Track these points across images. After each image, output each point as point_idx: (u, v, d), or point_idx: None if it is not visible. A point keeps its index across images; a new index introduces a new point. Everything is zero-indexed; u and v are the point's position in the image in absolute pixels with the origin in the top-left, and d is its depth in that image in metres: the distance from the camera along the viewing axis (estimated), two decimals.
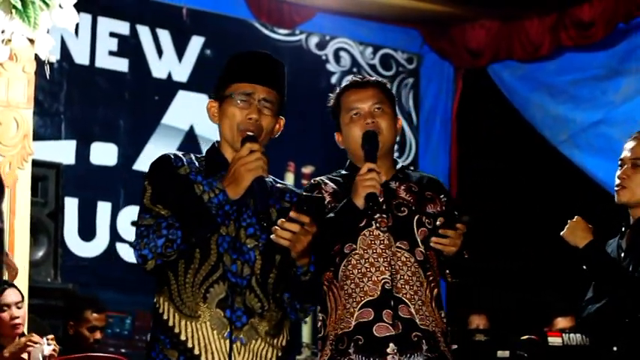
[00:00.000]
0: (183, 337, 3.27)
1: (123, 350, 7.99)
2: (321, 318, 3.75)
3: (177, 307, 3.29)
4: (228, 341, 3.26)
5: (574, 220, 4.36)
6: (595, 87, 8.71)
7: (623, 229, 4.52)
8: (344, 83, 3.93)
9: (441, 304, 3.75)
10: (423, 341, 3.63)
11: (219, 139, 3.50)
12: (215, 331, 3.27)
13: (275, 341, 3.36)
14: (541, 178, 8.93)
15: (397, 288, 3.64)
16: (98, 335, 6.80)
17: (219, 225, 3.28)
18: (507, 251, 8.74)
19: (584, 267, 4.36)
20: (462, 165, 9.62)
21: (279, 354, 3.36)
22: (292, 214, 3.22)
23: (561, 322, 7.01)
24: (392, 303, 3.62)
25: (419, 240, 3.71)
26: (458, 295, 7.27)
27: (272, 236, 3.23)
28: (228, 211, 3.27)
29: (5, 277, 5.09)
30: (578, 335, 4.82)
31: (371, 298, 3.63)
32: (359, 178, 3.59)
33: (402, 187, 3.79)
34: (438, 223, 3.66)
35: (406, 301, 3.64)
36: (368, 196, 3.56)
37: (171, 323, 3.29)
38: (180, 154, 3.45)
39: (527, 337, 5.23)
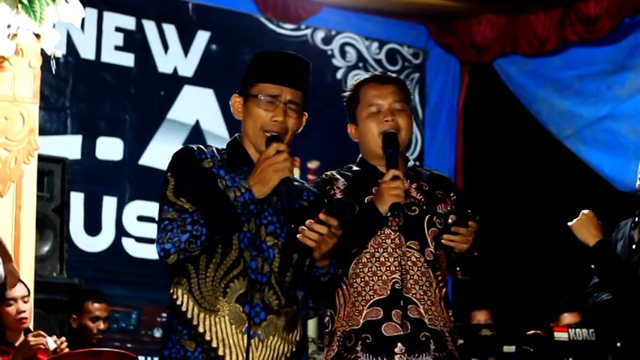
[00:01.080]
0: (201, 330, 3.28)
1: (129, 345, 8.00)
2: (329, 314, 3.74)
3: (196, 300, 3.30)
4: (245, 336, 3.27)
5: (586, 213, 4.33)
6: (601, 82, 8.70)
7: (637, 219, 4.50)
8: (364, 76, 3.91)
9: (449, 303, 3.75)
10: (431, 341, 3.63)
11: (240, 133, 3.47)
12: (233, 326, 3.28)
13: (290, 336, 3.37)
14: (547, 172, 8.92)
15: (407, 288, 3.64)
16: (102, 325, 6.81)
17: (243, 224, 3.29)
18: (513, 246, 8.73)
19: (593, 266, 4.35)
20: (468, 160, 9.61)
21: (294, 349, 3.38)
22: (322, 216, 3.23)
23: (567, 318, 7.01)
24: (401, 303, 3.62)
25: (429, 240, 3.70)
26: (461, 291, 7.27)
27: (298, 235, 3.24)
28: (253, 210, 3.28)
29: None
30: (584, 330, 4.83)
31: (380, 297, 3.63)
32: (384, 185, 3.59)
33: (414, 186, 3.77)
34: (449, 221, 3.65)
35: (416, 301, 3.64)
36: (393, 206, 3.57)
37: (189, 315, 3.30)
38: (202, 146, 3.44)
39: (533, 332, 5.24)
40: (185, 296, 3.32)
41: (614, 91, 8.57)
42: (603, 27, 8.41)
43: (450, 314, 3.74)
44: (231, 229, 3.28)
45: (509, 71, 9.39)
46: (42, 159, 5.97)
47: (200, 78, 8.79)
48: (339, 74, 9.54)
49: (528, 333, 5.42)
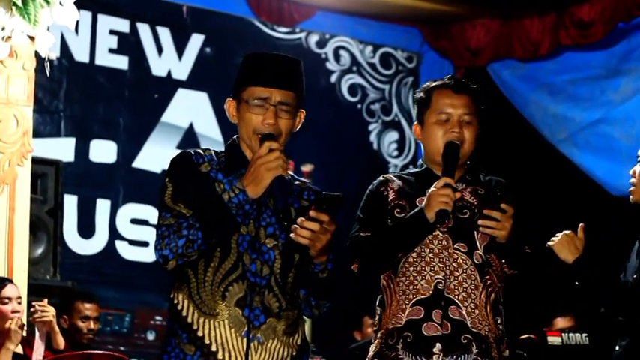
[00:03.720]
0: (200, 334, 3.28)
1: (122, 347, 7.99)
2: (378, 312, 3.78)
3: (196, 304, 3.30)
4: (245, 340, 3.27)
5: (567, 233, 4.32)
6: (594, 86, 8.72)
7: None
8: (439, 81, 3.87)
9: (499, 310, 3.73)
10: (474, 344, 3.63)
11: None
12: (233, 330, 3.28)
13: (291, 340, 3.37)
14: (540, 176, 8.93)
15: (449, 289, 3.65)
16: (92, 325, 6.79)
17: (240, 225, 3.29)
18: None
19: (576, 282, 4.34)
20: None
21: (294, 353, 3.37)
22: (312, 212, 3.22)
23: (560, 322, 7.02)
24: (442, 303, 3.63)
25: (478, 243, 3.70)
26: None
27: (291, 235, 3.23)
28: (248, 211, 3.28)
29: None
30: (578, 335, 4.83)
31: (423, 296, 3.65)
32: (434, 192, 3.60)
33: (468, 190, 3.78)
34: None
35: (457, 302, 3.64)
36: (439, 213, 3.57)
37: (189, 320, 3.30)
38: (200, 150, 3.43)
39: (526, 336, 5.24)
40: (185, 301, 3.32)
41: (607, 96, 8.59)
42: (597, 32, 8.43)
43: (499, 322, 3.73)
44: (226, 230, 3.28)
45: (503, 75, 9.41)
46: (36, 161, 5.97)
47: (194, 81, 8.80)
48: (333, 78, 9.56)
49: (522, 337, 5.42)
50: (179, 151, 3.47)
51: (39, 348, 5.65)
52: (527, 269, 3.77)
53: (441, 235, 3.69)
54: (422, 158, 3.90)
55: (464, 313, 3.64)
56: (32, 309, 5.76)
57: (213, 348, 3.27)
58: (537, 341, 5.11)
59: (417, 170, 3.87)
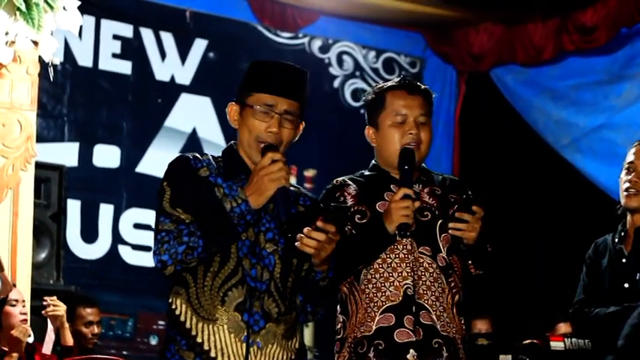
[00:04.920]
0: (199, 340, 3.27)
1: (125, 352, 8.00)
2: (341, 320, 3.73)
3: (194, 309, 3.29)
4: (244, 345, 3.26)
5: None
6: (597, 91, 8.72)
7: (622, 233, 4.50)
8: (391, 82, 3.83)
9: (462, 311, 3.73)
10: (444, 348, 3.62)
11: (236, 141, 3.46)
12: (232, 335, 3.27)
13: (289, 344, 3.37)
14: (543, 182, 8.93)
15: (419, 294, 3.62)
16: (95, 330, 6.83)
17: (240, 234, 3.28)
18: (509, 254, 8.73)
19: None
20: (464, 169, 9.62)
21: (293, 356, 3.37)
22: (319, 223, 3.22)
23: (563, 327, 7.01)
24: (414, 309, 3.61)
25: (441, 246, 3.68)
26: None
27: (297, 244, 3.23)
28: (250, 221, 3.27)
29: None
30: (581, 340, 4.82)
31: (392, 303, 3.62)
32: (394, 204, 3.55)
33: (426, 191, 3.75)
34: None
35: (428, 307, 3.62)
36: (400, 226, 3.55)
37: (188, 325, 3.29)
38: (198, 155, 3.42)
39: (529, 341, 5.23)
40: (184, 306, 3.31)
41: (610, 101, 8.59)
42: (600, 37, 8.43)
43: (463, 322, 3.72)
44: (228, 241, 3.27)
45: (506, 80, 9.41)
46: (39, 166, 5.97)
47: (197, 86, 8.80)
48: (336, 83, 9.56)
49: (524, 342, 5.41)
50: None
51: (49, 342, 5.73)
52: (492, 269, 3.74)
53: (405, 240, 3.65)
54: (375, 159, 3.83)
55: (434, 317, 3.62)
56: (44, 302, 5.84)
57: (213, 354, 3.26)
58: (540, 346, 5.11)
59: (371, 173, 3.81)
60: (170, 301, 3.35)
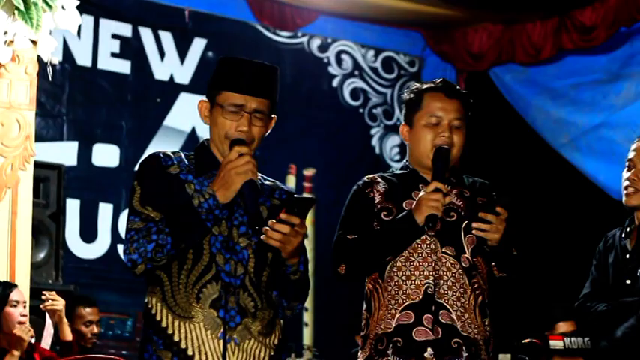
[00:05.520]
0: (176, 338, 3.26)
1: (124, 352, 7.98)
2: (365, 317, 3.76)
3: (170, 307, 3.29)
4: (221, 341, 3.25)
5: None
6: (596, 90, 8.72)
7: (628, 229, 4.50)
8: (430, 83, 3.87)
9: (486, 312, 3.74)
10: (464, 348, 3.63)
11: (208, 137, 3.48)
12: (209, 332, 3.25)
13: (267, 340, 3.35)
14: (542, 181, 8.93)
15: (439, 293, 3.64)
16: (95, 329, 6.84)
17: (209, 230, 3.27)
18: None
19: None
20: (462, 167, 9.61)
21: (272, 353, 3.35)
22: (283, 215, 3.20)
23: (562, 327, 7.01)
24: (433, 308, 3.63)
25: (466, 246, 3.70)
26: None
27: (262, 237, 3.22)
28: (218, 215, 3.26)
29: None
30: (580, 339, 4.83)
31: (412, 301, 3.64)
32: (424, 196, 3.59)
33: (454, 192, 3.78)
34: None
35: (448, 306, 3.64)
36: (429, 217, 3.57)
37: (164, 324, 3.28)
38: (169, 152, 3.42)
39: (528, 340, 5.23)
40: (159, 304, 3.31)
41: (609, 100, 8.59)
42: (599, 36, 8.44)
43: (487, 323, 3.73)
44: (196, 237, 3.26)
45: (505, 79, 9.42)
46: (38, 165, 5.97)
47: (196, 85, 8.80)
48: (335, 82, 9.56)
49: (524, 341, 5.41)
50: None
51: (47, 337, 5.75)
52: (516, 272, 3.75)
53: (429, 238, 3.68)
54: (407, 159, 3.88)
55: (454, 317, 3.64)
56: (43, 297, 5.85)
57: (190, 352, 3.24)
58: (539, 345, 5.11)
59: (402, 172, 3.85)
60: (146, 300, 3.35)
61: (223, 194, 3.23)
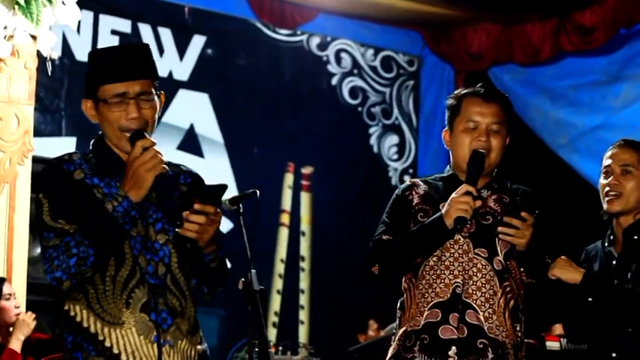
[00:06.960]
0: (108, 344, 3.15)
1: None
2: (398, 315, 3.81)
3: (97, 314, 3.16)
4: (155, 345, 3.17)
5: (560, 259, 4.30)
6: (595, 92, 8.72)
7: (612, 237, 4.50)
8: (470, 89, 3.89)
9: (518, 317, 3.75)
10: (489, 349, 3.65)
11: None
12: (142, 337, 3.16)
13: (194, 339, 3.30)
14: (540, 181, 8.91)
15: (468, 293, 3.67)
16: None
17: (128, 232, 3.15)
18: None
19: (590, 298, 4.33)
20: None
21: (199, 352, 3.33)
22: (197, 206, 3.12)
23: (559, 328, 7.01)
24: (460, 307, 3.66)
25: (499, 249, 3.72)
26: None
27: (178, 230, 3.15)
28: (135, 216, 3.15)
29: None
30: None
31: (441, 299, 3.68)
32: (454, 198, 3.62)
33: (493, 197, 3.80)
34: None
35: (475, 307, 3.67)
36: (457, 219, 3.59)
37: (93, 330, 3.16)
38: (66, 156, 3.27)
39: (525, 341, 5.22)
40: (84, 312, 3.17)
41: (608, 102, 8.59)
42: (599, 37, 8.44)
43: (517, 328, 3.75)
44: (117, 242, 3.14)
45: (504, 80, 9.42)
46: (36, 160, 5.96)
47: (195, 82, 8.80)
48: (334, 80, 9.56)
49: None
50: (58, 160, 3.29)
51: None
52: (546, 279, 3.78)
53: (462, 240, 3.71)
54: (450, 164, 3.91)
55: (481, 318, 3.66)
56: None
57: (124, 358, 3.14)
58: (536, 346, 5.10)
59: (443, 175, 3.89)
60: (66, 308, 3.19)
61: (136, 194, 3.11)
